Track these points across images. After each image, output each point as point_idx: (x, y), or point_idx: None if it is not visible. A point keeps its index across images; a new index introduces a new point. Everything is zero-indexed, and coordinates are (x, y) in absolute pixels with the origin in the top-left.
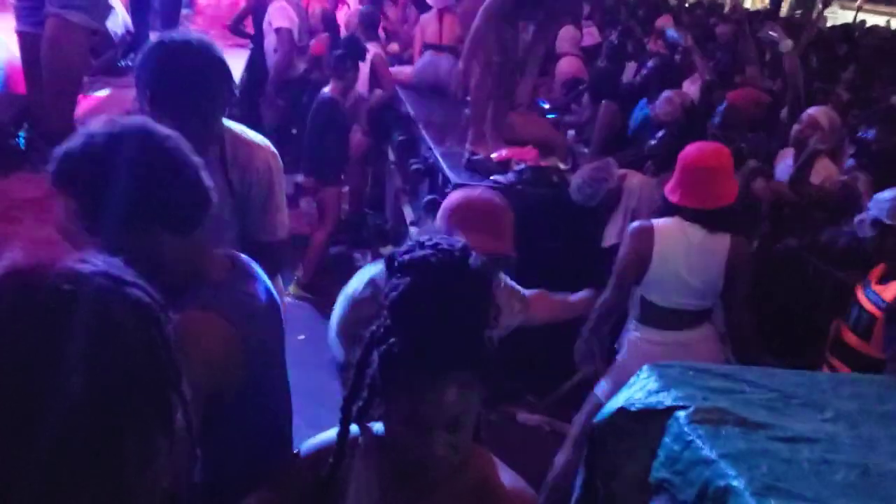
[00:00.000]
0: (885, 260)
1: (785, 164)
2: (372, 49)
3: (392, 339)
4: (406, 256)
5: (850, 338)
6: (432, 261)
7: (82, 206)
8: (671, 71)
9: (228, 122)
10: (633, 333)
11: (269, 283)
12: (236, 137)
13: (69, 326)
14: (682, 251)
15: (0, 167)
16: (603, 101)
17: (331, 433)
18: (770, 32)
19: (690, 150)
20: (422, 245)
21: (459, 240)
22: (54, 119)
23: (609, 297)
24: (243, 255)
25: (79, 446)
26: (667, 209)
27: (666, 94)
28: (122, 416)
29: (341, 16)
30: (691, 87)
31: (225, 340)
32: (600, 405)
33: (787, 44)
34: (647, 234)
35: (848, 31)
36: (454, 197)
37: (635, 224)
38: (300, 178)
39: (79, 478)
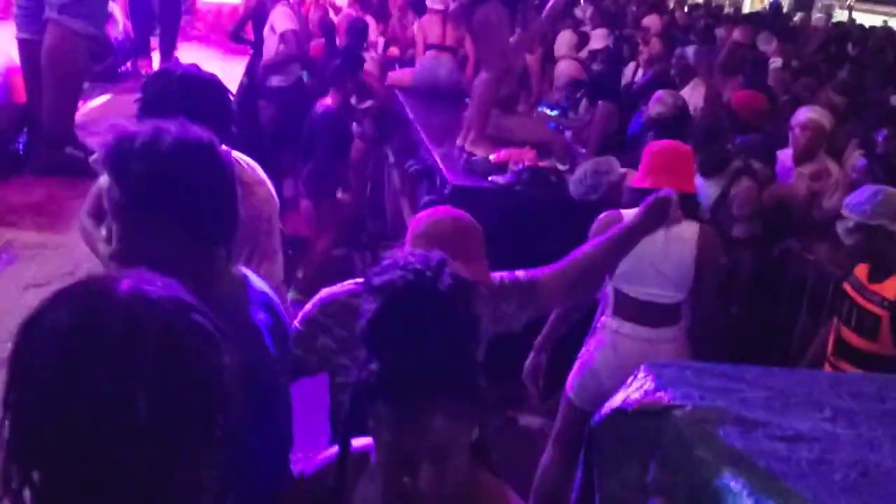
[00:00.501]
0: (875, 260)
1: (783, 166)
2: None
3: (366, 368)
4: (377, 279)
5: (855, 339)
6: (399, 283)
7: (126, 199)
8: (670, 78)
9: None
10: (605, 325)
11: (276, 302)
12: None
13: (136, 352)
14: (651, 239)
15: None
16: (600, 102)
17: (332, 451)
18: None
19: (664, 145)
20: (395, 265)
21: (435, 256)
22: (54, 125)
23: None
24: (249, 273)
25: (140, 466)
26: (634, 199)
27: (658, 93)
28: (179, 439)
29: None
30: (692, 94)
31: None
32: (572, 405)
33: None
34: (614, 221)
35: (844, 31)
36: (419, 219)
37: (602, 213)
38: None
39: (139, 496)
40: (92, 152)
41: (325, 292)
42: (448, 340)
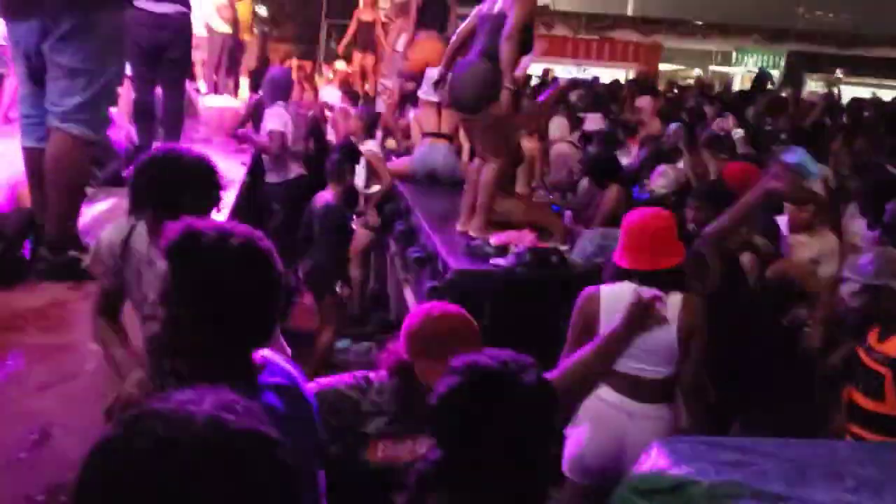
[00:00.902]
0: (883, 321)
1: (781, 234)
2: (369, 144)
3: (430, 458)
4: (460, 361)
5: (864, 401)
6: (482, 365)
7: (181, 291)
8: (663, 155)
9: None
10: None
11: (301, 388)
12: None
13: (213, 483)
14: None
15: (5, 278)
16: (611, 185)
17: None
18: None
19: (633, 214)
20: (483, 354)
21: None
22: (58, 229)
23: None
24: (273, 358)
25: None
26: (617, 275)
27: (660, 168)
28: None
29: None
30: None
31: None
32: (567, 479)
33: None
34: (593, 299)
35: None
36: (413, 318)
37: (584, 290)
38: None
39: None
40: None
41: (319, 381)
42: (520, 433)
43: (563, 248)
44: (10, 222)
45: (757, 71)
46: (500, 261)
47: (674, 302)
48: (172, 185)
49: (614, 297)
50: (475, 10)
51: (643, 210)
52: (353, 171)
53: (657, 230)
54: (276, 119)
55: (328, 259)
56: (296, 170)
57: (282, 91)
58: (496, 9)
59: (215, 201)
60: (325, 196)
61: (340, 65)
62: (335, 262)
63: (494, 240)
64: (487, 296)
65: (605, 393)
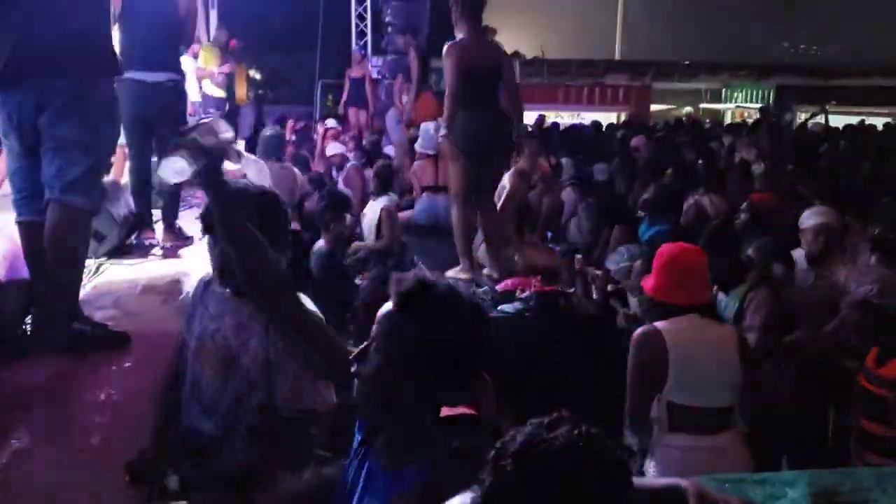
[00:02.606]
0: (881, 343)
1: (799, 268)
2: (384, 202)
3: None
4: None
5: (873, 426)
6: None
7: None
8: (669, 194)
9: None
10: (663, 443)
11: None
12: None
13: None
14: (703, 348)
15: (8, 355)
16: (616, 226)
17: None
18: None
19: (682, 252)
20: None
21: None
22: (59, 304)
23: (630, 406)
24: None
25: None
26: (670, 311)
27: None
28: None
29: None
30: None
31: None
32: None
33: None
34: (656, 339)
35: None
36: None
37: (642, 331)
38: None
39: None
40: (100, 325)
41: None
42: None
43: (570, 291)
44: (10, 297)
45: (746, 105)
46: (507, 307)
47: (730, 331)
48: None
49: (683, 334)
50: (456, 64)
51: (681, 246)
52: (339, 220)
53: (701, 264)
54: (262, 178)
55: (325, 305)
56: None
57: (273, 149)
58: (489, 62)
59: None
60: (319, 244)
61: (331, 122)
62: (332, 308)
63: (500, 286)
64: (496, 342)
65: (675, 440)
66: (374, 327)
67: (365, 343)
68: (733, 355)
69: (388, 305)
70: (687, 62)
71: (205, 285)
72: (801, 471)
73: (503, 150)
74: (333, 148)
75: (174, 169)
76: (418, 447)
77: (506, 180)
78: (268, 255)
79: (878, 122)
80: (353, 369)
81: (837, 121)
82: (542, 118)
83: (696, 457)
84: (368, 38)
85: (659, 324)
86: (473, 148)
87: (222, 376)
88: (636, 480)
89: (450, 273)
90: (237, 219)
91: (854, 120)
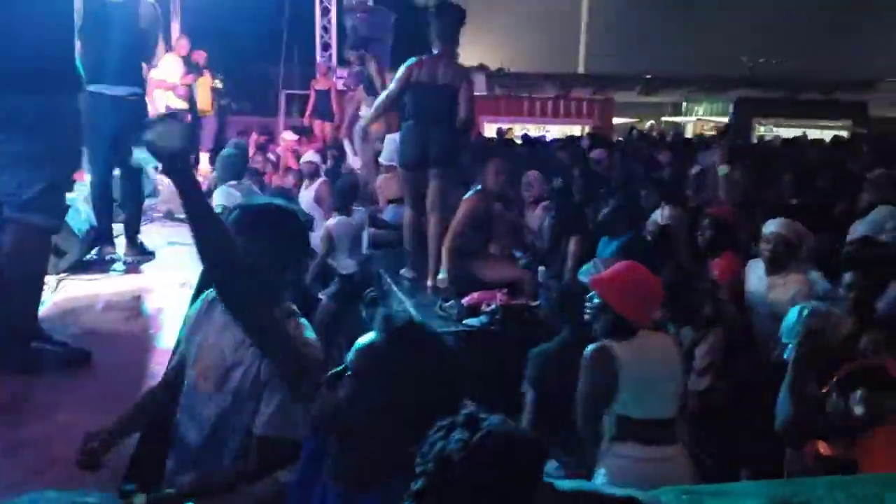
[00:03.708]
0: None
1: (756, 276)
2: (336, 218)
3: None
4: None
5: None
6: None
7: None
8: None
9: None
10: (612, 453)
11: None
12: None
13: None
14: (652, 364)
15: None
16: (573, 238)
17: None
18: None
19: (635, 272)
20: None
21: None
22: (18, 322)
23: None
24: None
25: None
26: (622, 329)
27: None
28: None
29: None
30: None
31: None
32: None
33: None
34: (608, 359)
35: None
36: None
37: (594, 351)
38: None
39: None
40: (59, 343)
41: None
42: None
43: (534, 303)
44: None
45: (707, 118)
46: (473, 321)
47: (671, 341)
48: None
49: (632, 352)
50: (405, 75)
51: (630, 265)
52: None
53: (651, 292)
54: (224, 197)
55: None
56: None
57: (232, 168)
58: (441, 80)
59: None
60: None
61: (288, 135)
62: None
63: (466, 300)
64: (463, 356)
65: (624, 449)
66: (353, 356)
67: (338, 368)
68: (677, 365)
69: (370, 337)
70: (648, 76)
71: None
72: (757, 481)
73: (440, 164)
74: (310, 156)
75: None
76: (378, 476)
77: (465, 200)
78: (236, 257)
79: (828, 136)
80: (322, 392)
81: (793, 134)
82: (505, 130)
83: (646, 466)
84: (333, 49)
85: (611, 343)
86: (403, 158)
87: (213, 391)
88: (597, 489)
89: (402, 271)
90: (207, 217)
91: (814, 133)
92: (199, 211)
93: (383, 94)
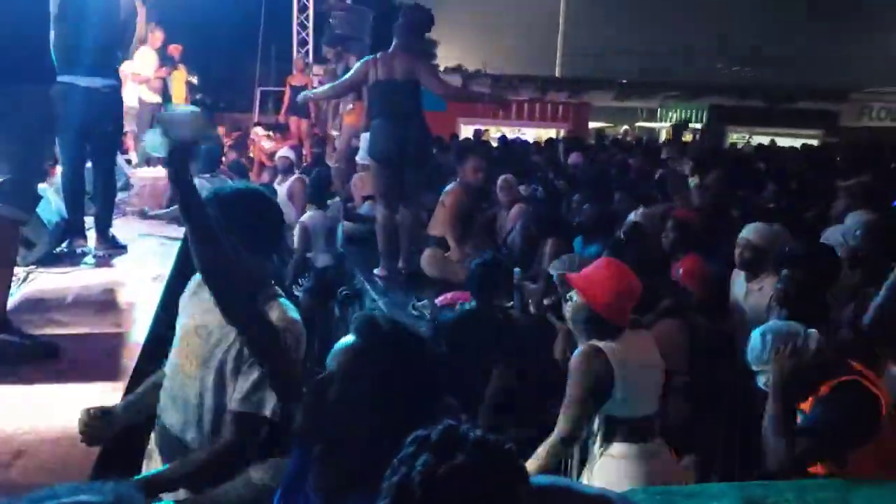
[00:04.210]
0: None
1: (738, 283)
2: (308, 214)
3: None
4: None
5: None
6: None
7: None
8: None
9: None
10: (601, 453)
11: None
12: None
13: None
14: (638, 363)
15: None
16: (550, 240)
17: None
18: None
19: (618, 276)
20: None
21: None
22: None
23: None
24: None
25: None
26: (610, 328)
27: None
28: None
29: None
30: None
31: None
32: None
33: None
34: (603, 360)
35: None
36: None
37: (587, 352)
38: None
39: None
40: (28, 336)
41: None
42: None
43: (508, 303)
44: None
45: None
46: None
47: (652, 343)
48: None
49: (622, 352)
50: (363, 70)
51: (614, 267)
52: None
53: (633, 292)
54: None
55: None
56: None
57: (205, 162)
58: (399, 76)
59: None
60: None
61: (260, 130)
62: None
63: (439, 300)
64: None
65: (610, 449)
66: (334, 359)
67: (323, 374)
68: (657, 360)
69: (349, 339)
70: (624, 81)
71: None
72: (729, 483)
73: (414, 160)
74: (284, 151)
75: (154, 143)
76: (360, 484)
77: (448, 192)
78: (222, 248)
79: (799, 144)
80: (305, 400)
81: (765, 141)
82: (481, 132)
83: (634, 463)
84: (310, 46)
85: (600, 343)
86: (378, 154)
87: (197, 369)
88: (569, 485)
89: (375, 271)
90: (196, 207)
91: (787, 142)
92: (192, 205)
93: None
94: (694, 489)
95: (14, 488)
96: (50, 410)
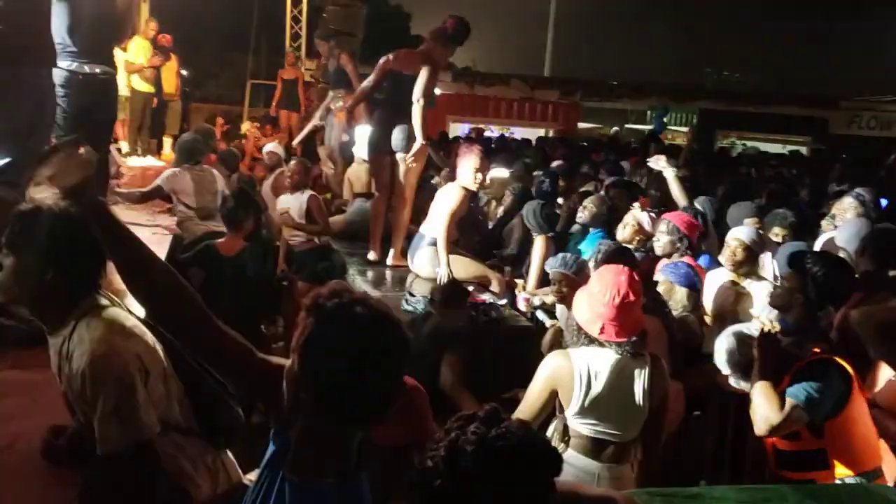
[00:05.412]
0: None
1: (720, 285)
2: (307, 192)
3: None
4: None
5: (784, 444)
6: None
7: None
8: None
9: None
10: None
11: None
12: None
13: None
14: (613, 385)
15: None
16: (539, 237)
17: None
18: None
19: (616, 284)
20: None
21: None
22: None
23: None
24: None
25: None
26: (590, 340)
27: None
28: None
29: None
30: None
31: None
32: None
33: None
34: (565, 368)
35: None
36: None
37: (554, 359)
38: None
39: None
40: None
41: None
42: None
43: (501, 302)
44: None
45: (670, 128)
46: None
47: (641, 367)
48: None
49: (593, 366)
50: (382, 65)
51: (617, 275)
52: (249, 218)
53: (637, 300)
54: (162, 177)
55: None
56: (202, 229)
57: (189, 153)
58: (412, 71)
59: None
60: (217, 248)
61: (246, 125)
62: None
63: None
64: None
65: (570, 457)
66: (295, 337)
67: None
68: (642, 392)
69: (306, 316)
70: (615, 82)
71: None
72: (730, 486)
73: (404, 150)
74: (272, 147)
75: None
76: (329, 463)
77: (451, 190)
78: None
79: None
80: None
81: (754, 146)
82: (473, 131)
83: (584, 479)
84: (303, 40)
85: (576, 350)
86: (372, 143)
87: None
88: (575, 487)
89: (369, 255)
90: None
91: (774, 147)
92: (128, 254)
93: (367, 82)
94: (696, 491)
95: (10, 473)
96: (46, 395)
